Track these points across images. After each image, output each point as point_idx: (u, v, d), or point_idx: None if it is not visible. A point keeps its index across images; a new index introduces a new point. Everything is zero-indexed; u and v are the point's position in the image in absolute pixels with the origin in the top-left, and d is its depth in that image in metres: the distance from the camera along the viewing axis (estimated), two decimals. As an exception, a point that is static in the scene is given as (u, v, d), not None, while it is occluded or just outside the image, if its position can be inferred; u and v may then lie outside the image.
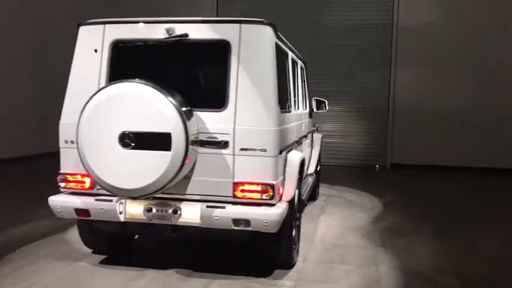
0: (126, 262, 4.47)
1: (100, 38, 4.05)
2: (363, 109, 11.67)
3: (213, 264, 4.51)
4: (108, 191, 3.72)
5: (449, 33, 10.89)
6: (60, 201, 4.01)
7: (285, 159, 4.12)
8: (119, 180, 3.59)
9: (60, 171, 4.07)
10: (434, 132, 11.14)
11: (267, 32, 3.86)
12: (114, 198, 3.88)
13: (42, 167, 10.16)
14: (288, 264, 4.39)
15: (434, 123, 11.12)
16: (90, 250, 4.72)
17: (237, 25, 3.86)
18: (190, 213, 3.84)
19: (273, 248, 4.19)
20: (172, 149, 3.50)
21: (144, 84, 3.55)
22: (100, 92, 3.62)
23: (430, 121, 11.14)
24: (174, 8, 11.07)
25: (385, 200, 7.66)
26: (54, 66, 10.32)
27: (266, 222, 3.70)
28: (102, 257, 4.61)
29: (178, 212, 3.85)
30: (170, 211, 3.85)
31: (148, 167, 3.54)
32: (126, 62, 4.07)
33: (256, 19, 3.89)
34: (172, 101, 3.51)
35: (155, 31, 3.96)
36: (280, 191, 3.92)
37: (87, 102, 3.64)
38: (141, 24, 4.03)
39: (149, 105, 3.52)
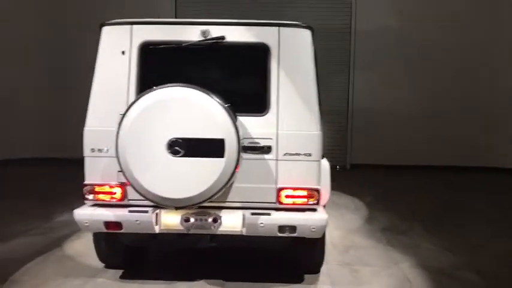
0: (148, 276, 4.25)
1: (127, 39, 3.80)
2: (323, 111, 11.86)
3: (238, 273, 4.38)
4: (153, 202, 3.50)
5: (406, 35, 11.35)
6: (88, 215, 3.71)
7: None
8: (168, 190, 3.39)
9: (86, 182, 3.77)
10: (392, 132, 11.55)
11: (307, 35, 3.81)
12: (150, 209, 3.68)
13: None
14: (317, 268, 4.37)
15: (392, 124, 11.54)
16: (99, 265, 4.43)
17: (276, 28, 3.79)
18: (231, 222, 3.71)
19: (310, 253, 4.17)
20: (225, 155, 3.36)
21: (194, 88, 3.39)
22: (144, 97, 3.39)
23: (388, 122, 11.55)
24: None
25: (365, 199, 7.82)
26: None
27: (314, 228, 3.65)
28: (119, 271, 4.34)
29: (219, 221, 3.69)
30: (210, 220, 3.69)
31: (200, 176, 3.37)
32: (157, 65, 3.86)
33: (294, 22, 3.83)
34: (224, 105, 3.38)
35: (189, 33, 3.79)
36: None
37: (128, 109, 3.41)
38: (173, 26, 3.85)
39: (201, 111, 3.36)
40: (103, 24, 3.87)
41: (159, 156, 3.36)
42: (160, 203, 3.49)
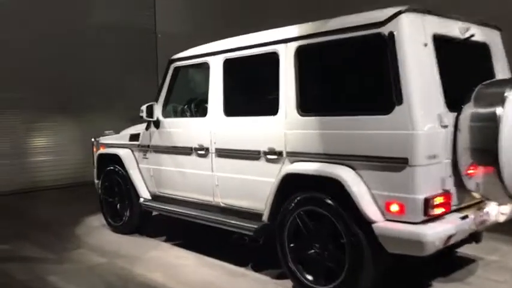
0: None
1: (421, 30, 3.41)
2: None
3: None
4: None
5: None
6: (439, 233, 3.23)
7: None
8: None
9: (426, 196, 3.21)
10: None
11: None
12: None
13: None
14: None
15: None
16: None
17: (490, 29, 4.20)
18: (494, 213, 3.86)
19: None
20: None
21: None
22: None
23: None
24: None
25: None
26: None
27: None
28: None
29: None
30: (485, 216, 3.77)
31: None
32: (444, 59, 3.53)
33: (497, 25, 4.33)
34: None
35: (454, 28, 3.73)
36: None
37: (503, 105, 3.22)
38: (450, 20, 3.72)
39: None
40: (400, 12, 3.33)
41: None
42: None
